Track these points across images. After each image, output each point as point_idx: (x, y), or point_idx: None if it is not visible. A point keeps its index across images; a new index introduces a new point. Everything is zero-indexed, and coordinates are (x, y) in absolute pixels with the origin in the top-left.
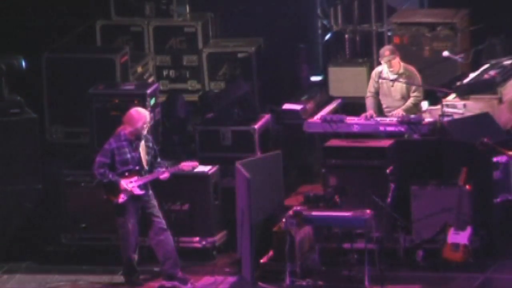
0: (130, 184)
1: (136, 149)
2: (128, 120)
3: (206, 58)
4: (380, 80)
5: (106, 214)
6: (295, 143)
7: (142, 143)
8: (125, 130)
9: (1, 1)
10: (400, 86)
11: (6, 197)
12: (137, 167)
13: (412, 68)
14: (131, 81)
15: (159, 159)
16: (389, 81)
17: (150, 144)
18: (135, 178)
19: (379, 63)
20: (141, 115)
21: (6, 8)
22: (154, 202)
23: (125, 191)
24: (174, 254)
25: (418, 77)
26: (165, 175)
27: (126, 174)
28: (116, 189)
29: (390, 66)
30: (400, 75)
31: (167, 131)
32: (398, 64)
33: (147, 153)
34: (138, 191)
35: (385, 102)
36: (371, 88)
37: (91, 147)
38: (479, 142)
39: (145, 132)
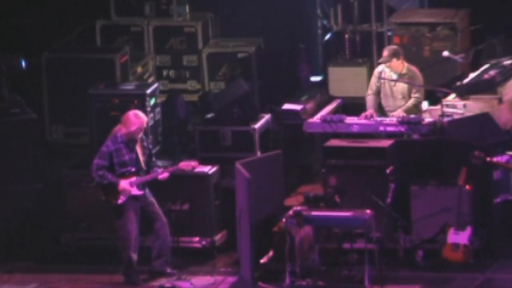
0: (129, 185)
1: (132, 150)
2: (124, 121)
3: (206, 58)
4: (382, 80)
5: (106, 214)
6: (295, 143)
7: (138, 143)
8: (120, 131)
9: (1, 1)
10: (401, 86)
11: (6, 197)
12: (135, 168)
13: (415, 69)
14: (131, 81)
15: (154, 158)
16: (389, 81)
17: (145, 144)
18: (134, 178)
19: (379, 63)
20: (138, 120)
21: (6, 8)
22: (152, 199)
23: (124, 191)
24: (168, 252)
25: (420, 78)
26: (164, 175)
27: (126, 175)
28: (115, 190)
29: (389, 67)
30: (402, 75)
31: (167, 131)
32: (400, 65)
33: (143, 154)
34: (136, 191)
35: (386, 102)
36: (372, 86)
37: (91, 147)
38: (471, 155)
39: (139, 135)
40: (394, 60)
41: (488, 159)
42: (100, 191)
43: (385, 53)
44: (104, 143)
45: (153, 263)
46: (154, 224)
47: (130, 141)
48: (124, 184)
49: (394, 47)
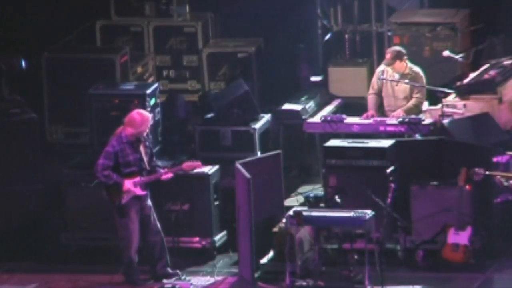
0: (133, 185)
1: (137, 150)
2: (130, 122)
3: (206, 58)
4: (383, 80)
5: (106, 214)
6: (295, 143)
7: (141, 143)
8: (126, 131)
9: (1, 1)
10: (403, 86)
11: (6, 197)
12: (138, 168)
13: (417, 70)
14: (131, 81)
15: (154, 158)
16: (390, 81)
17: (147, 144)
18: (138, 178)
19: (379, 63)
20: (144, 118)
21: (6, 8)
22: (150, 203)
23: (128, 191)
24: (166, 254)
25: (423, 78)
26: (168, 175)
27: (131, 175)
28: (119, 190)
29: (392, 68)
30: (404, 75)
31: (167, 131)
32: (403, 66)
33: (146, 154)
34: (140, 191)
35: (387, 102)
36: (374, 85)
37: (91, 147)
38: (471, 172)
39: (145, 134)
40: (397, 62)
41: (487, 172)
42: (103, 191)
43: (388, 55)
44: (108, 143)
45: (154, 269)
46: (146, 230)
47: (135, 141)
48: (128, 184)
49: (397, 48)
